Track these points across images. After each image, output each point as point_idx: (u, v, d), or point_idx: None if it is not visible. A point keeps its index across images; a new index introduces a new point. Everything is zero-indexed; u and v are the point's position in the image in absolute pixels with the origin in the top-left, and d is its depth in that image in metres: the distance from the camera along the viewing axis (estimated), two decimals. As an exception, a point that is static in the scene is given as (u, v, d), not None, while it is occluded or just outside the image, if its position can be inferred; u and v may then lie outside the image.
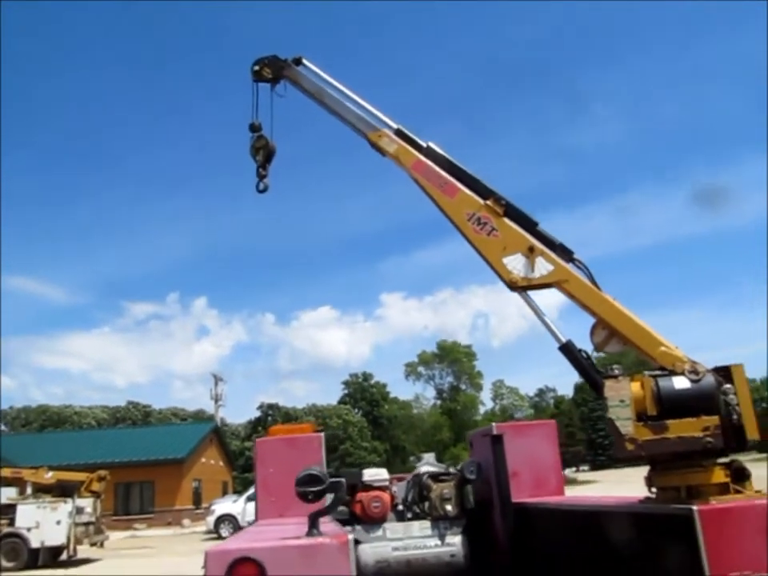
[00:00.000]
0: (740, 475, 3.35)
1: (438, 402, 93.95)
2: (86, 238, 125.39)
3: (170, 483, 36.40)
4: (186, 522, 34.46)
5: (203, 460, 41.32)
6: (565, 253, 3.93)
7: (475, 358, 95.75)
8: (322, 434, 5.70)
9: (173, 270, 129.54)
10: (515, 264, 3.87)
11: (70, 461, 31.71)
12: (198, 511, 36.81)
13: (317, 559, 2.70)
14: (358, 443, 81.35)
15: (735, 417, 3.26)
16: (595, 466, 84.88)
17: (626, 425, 3.15)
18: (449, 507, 5.93)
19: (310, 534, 2.99)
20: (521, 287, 3.90)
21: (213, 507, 29.23)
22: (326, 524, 3.29)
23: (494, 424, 6.01)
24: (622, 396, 3.20)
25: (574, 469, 77.18)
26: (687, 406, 3.13)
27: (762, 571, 2.85)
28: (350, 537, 2.78)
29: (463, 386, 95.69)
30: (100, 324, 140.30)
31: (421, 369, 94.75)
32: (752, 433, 3.28)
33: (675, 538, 2.97)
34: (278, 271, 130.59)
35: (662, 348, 3.49)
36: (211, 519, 27.99)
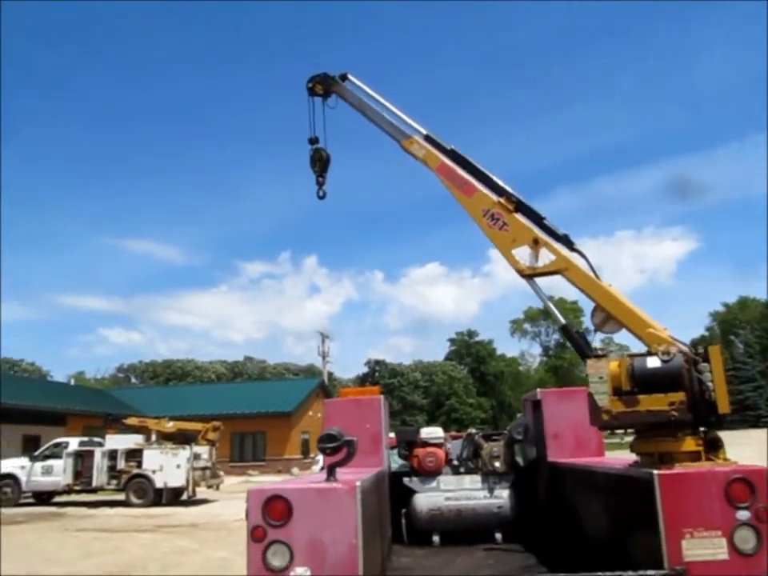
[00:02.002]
0: (713, 445, 3.76)
1: (544, 358, 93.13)
2: (201, 200, 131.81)
3: (279, 434, 38.83)
4: (294, 470, 36.74)
5: (310, 413, 43.51)
6: (568, 243, 4.37)
7: (582, 314, 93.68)
8: (382, 397, 6.38)
9: (283, 230, 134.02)
10: (522, 254, 4.37)
11: (191, 412, 34.33)
12: (306, 460, 39.07)
13: (331, 499, 3.43)
14: (463, 399, 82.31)
15: (708, 393, 3.66)
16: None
17: (603, 398, 3.64)
18: (497, 464, 6.55)
19: (327, 480, 3.72)
20: (527, 275, 4.39)
21: (317, 458, 31.07)
22: (346, 474, 3.98)
23: (539, 390, 6.49)
24: (601, 373, 3.68)
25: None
26: (657, 383, 3.57)
27: (713, 530, 3.30)
28: (358, 484, 3.46)
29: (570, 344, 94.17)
30: (218, 283, 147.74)
31: (527, 326, 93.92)
32: (723, 407, 3.68)
33: (641, 498, 3.46)
34: (387, 229, 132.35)
35: (650, 330, 3.91)
36: (316, 468, 29.80)
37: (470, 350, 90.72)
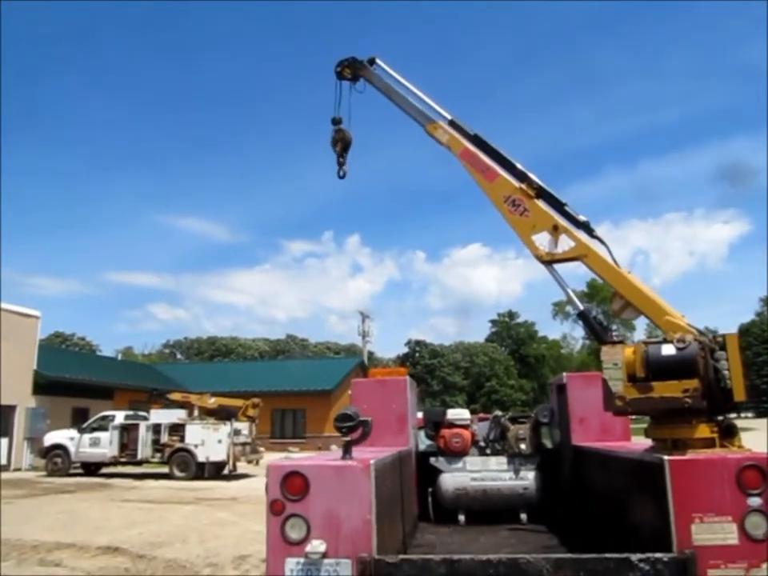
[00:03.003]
0: (728, 432, 3.76)
1: (587, 341, 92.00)
2: (247, 180, 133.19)
3: (319, 412, 39.35)
4: (333, 447, 37.30)
5: (350, 392, 43.83)
6: (588, 230, 4.38)
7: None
8: (407, 377, 6.48)
9: (327, 209, 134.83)
10: (542, 241, 4.39)
11: (233, 388, 35.09)
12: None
13: (346, 477, 3.56)
14: (503, 381, 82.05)
15: (723, 381, 3.66)
16: (759, 413, 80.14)
17: (617, 384, 3.67)
18: (523, 446, 6.60)
19: (343, 458, 3.85)
20: (546, 261, 4.42)
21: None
22: (365, 453, 4.11)
23: (564, 374, 6.51)
24: (615, 360, 3.70)
25: (733, 415, 73.39)
26: (672, 370, 3.58)
27: (724, 515, 3.33)
28: (372, 462, 3.58)
29: (614, 326, 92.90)
30: (262, 261, 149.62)
31: (569, 308, 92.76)
32: (739, 395, 3.68)
33: (652, 483, 3.49)
34: (430, 209, 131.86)
35: (667, 317, 3.91)
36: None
37: (510, 332, 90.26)
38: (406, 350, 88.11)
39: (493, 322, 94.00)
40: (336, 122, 6.27)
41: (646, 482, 3.61)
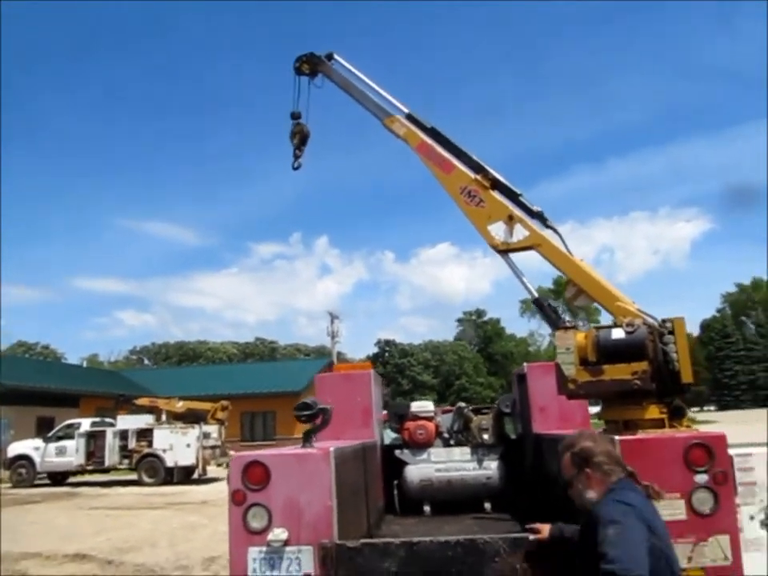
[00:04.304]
0: (677, 413, 3.90)
1: (553, 338, 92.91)
2: (212, 182, 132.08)
3: (289, 413, 38.38)
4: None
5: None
6: (542, 219, 4.49)
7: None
8: (372, 371, 6.53)
9: (295, 211, 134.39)
10: (497, 231, 4.49)
11: (203, 392, 34.66)
12: (317, 440, 39.47)
13: (306, 465, 3.61)
14: (473, 378, 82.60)
15: (672, 363, 3.79)
16: (721, 406, 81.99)
17: (570, 368, 3.77)
18: (486, 436, 6.70)
19: (303, 446, 3.90)
20: (502, 250, 4.52)
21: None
22: (326, 443, 4.16)
23: (525, 364, 6.63)
24: (568, 344, 3.81)
25: (696, 409, 74.95)
26: (622, 354, 3.70)
27: (672, 492, 3.45)
28: (332, 449, 3.64)
29: (580, 323, 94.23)
30: (229, 264, 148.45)
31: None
32: (687, 377, 3.81)
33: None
34: (398, 209, 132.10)
35: (618, 303, 4.04)
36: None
37: (478, 331, 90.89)
38: (375, 350, 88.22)
39: (459, 320, 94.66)
40: (295, 116, 6.34)
41: None
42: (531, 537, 3.44)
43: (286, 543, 3.51)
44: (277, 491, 3.58)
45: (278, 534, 3.50)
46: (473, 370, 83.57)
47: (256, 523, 3.56)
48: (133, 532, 12.59)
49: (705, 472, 3.44)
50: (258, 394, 39.70)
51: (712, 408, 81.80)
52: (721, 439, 3.51)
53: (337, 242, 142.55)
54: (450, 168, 4.76)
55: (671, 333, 3.85)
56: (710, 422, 44.07)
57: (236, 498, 3.59)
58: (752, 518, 3.84)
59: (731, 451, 3.81)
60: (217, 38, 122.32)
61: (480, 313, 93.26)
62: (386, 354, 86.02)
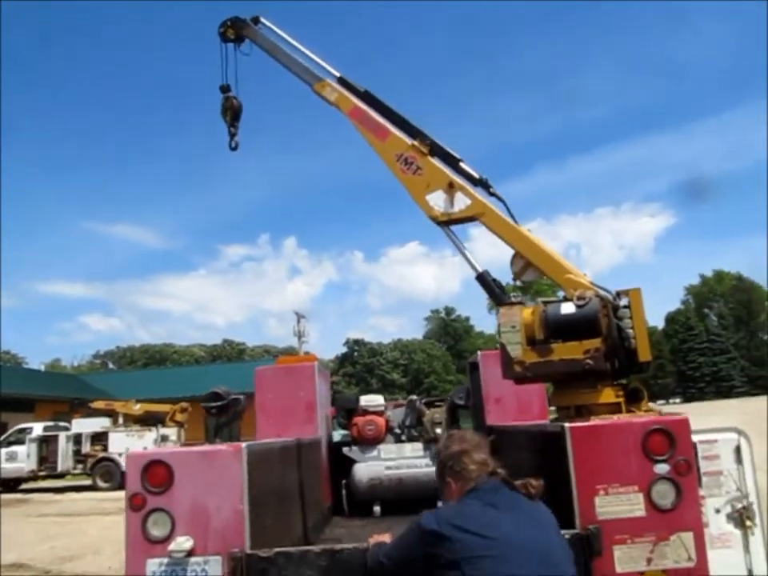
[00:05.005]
0: (634, 396, 3.50)
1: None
2: (179, 184, 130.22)
3: (254, 415, 38.36)
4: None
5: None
6: (485, 187, 4.07)
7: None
8: (316, 363, 6.08)
9: (262, 212, 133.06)
10: (437, 200, 4.05)
11: (167, 395, 33.77)
12: (283, 441, 38.81)
13: (215, 462, 3.14)
14: (442, 377, 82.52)
15: (627, 340, 3.40)
16: (686, 398, 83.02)
17: (515, 348, 3.35)
18: (439, 430, 6.30)
19: (212, 442, 3.45)
20: (442, 222, 4.08)
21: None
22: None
23: (479, 352, 6.24)
24: (513, 322, 3.39)
25: (662, 401, 75.76)
26: (572, 330, 3.28)
27: (629, 485, 3.05)
28: (244, 446, 3.18)
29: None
30: (197, 267, 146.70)
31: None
32: (644, 355, 3.42)
33: (555, 454, 3.19)
34: (366, 207, 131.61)
35: (568, 275, 3.62)
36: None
37: (447, 328, 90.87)
38: (344, 350, 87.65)
39: (427, 318, 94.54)
40: (224, 89, 5.81)
41: (549, 454, 3.31)
42: None
43: (191, 553, 3.04)
44: (181, 494, 3.11)
45: (181, 542, 3.02)
46: (442, 368, 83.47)
47: (157, 531, 3.08)
48: (78, 539, 12.01)
49: (665, 461, 3.05)
50: (223, 395, 38.86)
51: (677, 400, 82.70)
52: (683, 424, 3.13)
53: (305, 242, 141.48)
54: (385, 134, 4.31)
55: (627, 307, 3.46)
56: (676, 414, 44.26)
57: (134, 503, 3.11)
58: (718, 511, 3.47)
59: (694, 438, 3.44)
60: (186, 29, 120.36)
61: (449, 311, 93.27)
62: (356, 354, 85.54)
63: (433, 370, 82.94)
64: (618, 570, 2.97)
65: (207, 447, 3.37)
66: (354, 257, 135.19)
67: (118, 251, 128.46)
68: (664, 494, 3.03)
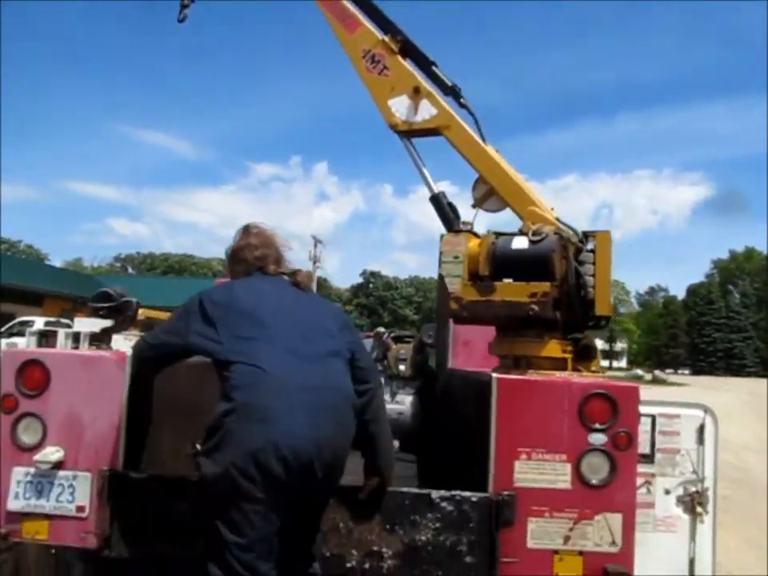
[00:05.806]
0: (585, 353, 3.08)
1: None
2: (216, 95, 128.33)
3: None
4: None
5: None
6: (456, 96, 3.54)
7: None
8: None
9: (296, 133, 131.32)
10: (399, 106, 3.54)
11: (180, 304, 33.91)
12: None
13: (97, 369, 2.80)
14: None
15: (585, 289, 2.95)
16: (695, 371, 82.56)
17: (454, 282, 2.91)
18: (402, 367, 5.95)
19: (98, 347, 3.11)
20: (403, 131, 3.58)
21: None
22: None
23: None
24: (457, 251, 2.94)
25: (671, 370, 75.29)
26: (521, 269, 2.82)
27: (557, 453, 2.66)
28: (128, 354, 2.83)
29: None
30: (227, 181, 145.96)
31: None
32: (602, 308, 2.97)
33: (480, 407, 2.80)
34: (400, 143, 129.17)
35: (533, 207, 3.14)
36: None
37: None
38: (360, 280, 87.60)
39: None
40: None
41: (476, 407, 2.93)
42: (360, 495, 2.66)
43: (60, 466, 2.73)
44: (56, 400, 2.78)
45: (49, 453, 2.71)
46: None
47: (27, 438, 2.77)
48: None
49: (603, 431, 2.63)
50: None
51: (686, 372, 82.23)
52: (631, 391, 2.71)
53: (336, 169, 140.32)
54: (354, 26, 3.77)
55: (592, 251, 2.99)
56: (682, 384, 44.03)
57: (5, 405, 2.78)
58: (668, 492, 3.06)
59: (655, 409, 3.03)
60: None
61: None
62: (371, 286, 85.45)
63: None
64: (530, 544, 2.61)
65: (89, 352, 3.05)
66: (384, 189, 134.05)
67: (149, 157, 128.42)
68: (595, 468, 2.64)
